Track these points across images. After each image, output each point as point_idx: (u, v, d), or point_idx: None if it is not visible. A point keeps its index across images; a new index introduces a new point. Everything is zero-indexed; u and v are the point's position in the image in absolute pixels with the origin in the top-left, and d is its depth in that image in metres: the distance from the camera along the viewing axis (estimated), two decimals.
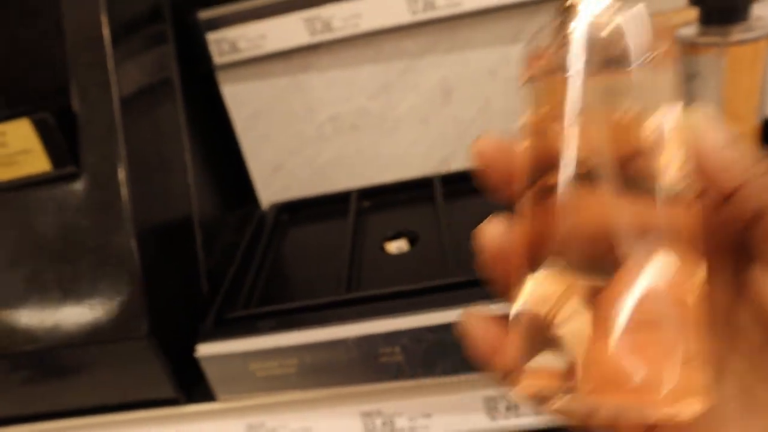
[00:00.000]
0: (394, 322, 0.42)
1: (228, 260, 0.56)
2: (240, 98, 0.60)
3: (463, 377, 0.43)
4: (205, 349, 0.45)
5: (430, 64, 0.58)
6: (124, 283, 0.44)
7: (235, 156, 0.63)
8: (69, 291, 0.45)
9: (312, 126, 0.60)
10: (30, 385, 0.47)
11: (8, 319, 0.46)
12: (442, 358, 0.43)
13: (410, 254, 0.53)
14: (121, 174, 0.45)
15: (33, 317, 0.45)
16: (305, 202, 0.62)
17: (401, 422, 0.45)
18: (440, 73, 0.58)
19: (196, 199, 0.53)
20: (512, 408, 0.45)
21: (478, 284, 0.44)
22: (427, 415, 0.45)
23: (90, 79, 0.47)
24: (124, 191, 0.45)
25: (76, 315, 0.45)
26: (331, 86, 0.59)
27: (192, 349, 0.45)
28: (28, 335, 0.45)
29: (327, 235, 0.59)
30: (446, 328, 0.42)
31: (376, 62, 0.57)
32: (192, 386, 0.48)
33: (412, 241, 0.54)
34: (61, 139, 0.46)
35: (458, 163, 0.61)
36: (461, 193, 0.58)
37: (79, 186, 0.46)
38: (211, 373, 0.45)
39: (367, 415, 0.46)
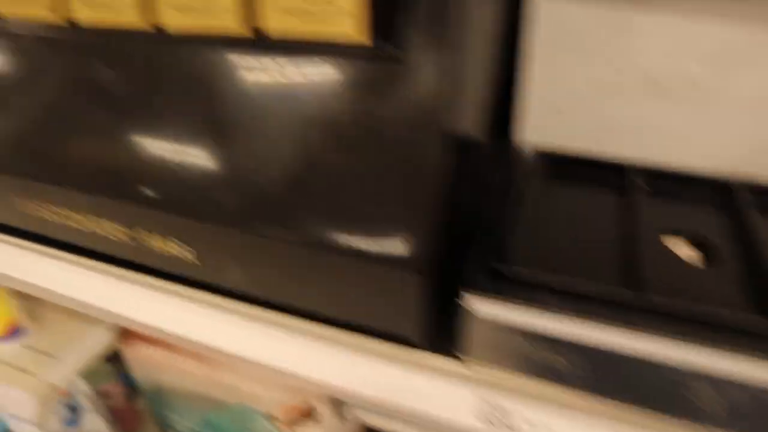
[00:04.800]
0: (721, 361, 0.34)
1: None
2: (551, 18, 0.50)
3: None
4: (479, 305, 0.37)
5: None
6: (416, 198, 0.37)
7: (514, 81, 0.54)
8: (342, 184, 0.38)
9: (619, 76, 0.50)
10: (274, 271, 0.41)
11: (260, 196, 0.39)
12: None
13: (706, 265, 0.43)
14: (450, 68, 0.37)
15: (293, 204, 0.39)
16: (574, 159, 0.53)
17: None
18: None
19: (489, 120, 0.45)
20: None
21: None
22: None
23: None
24: (447, 88, 0.37)
25: (341, 213, 0.38)
26: (663, 36, 0.48)
27: (453, 295, 0.38)
28: (283, 220, 0.39)
29: (592, 205, 0.50)
30: None
31: (729, 19, 0.46)
32: (434, 335, 0.41)
33: (703, 248, 0.45)
34: (383, 2, 0.37)
35: None
36: None
37: (391, 66, 0.38)
38: (471, 331, 0.38)
39: None
